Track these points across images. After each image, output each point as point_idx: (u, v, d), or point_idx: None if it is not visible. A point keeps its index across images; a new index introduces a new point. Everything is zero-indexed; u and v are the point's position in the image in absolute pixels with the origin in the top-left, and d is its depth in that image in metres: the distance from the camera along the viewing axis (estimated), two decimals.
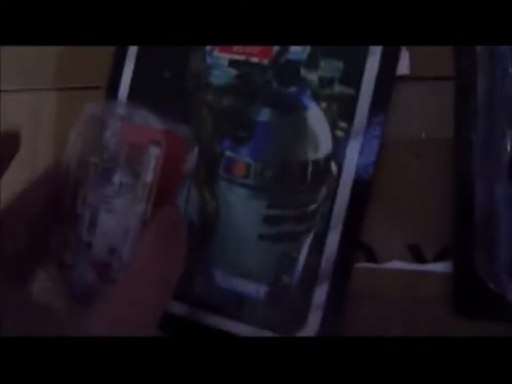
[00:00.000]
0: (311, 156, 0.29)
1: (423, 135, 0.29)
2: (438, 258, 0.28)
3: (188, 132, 0.29)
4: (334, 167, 0.29)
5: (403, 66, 0.29)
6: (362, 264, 0.29)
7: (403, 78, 0.29)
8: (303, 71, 0.29)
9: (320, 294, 0.28)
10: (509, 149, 0.27)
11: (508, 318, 0.26)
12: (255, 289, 0.29)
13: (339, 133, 0.29)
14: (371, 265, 0.28)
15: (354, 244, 0.28)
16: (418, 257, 0.28)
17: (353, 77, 0.29)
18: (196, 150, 0.30)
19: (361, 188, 0.28)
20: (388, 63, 0.28)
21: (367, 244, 0.29)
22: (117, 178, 0.28)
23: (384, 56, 0.28)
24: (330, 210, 0.28)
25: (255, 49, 0.30)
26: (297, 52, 0.30)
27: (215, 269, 0.29)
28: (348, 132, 0.29)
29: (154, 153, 0.28)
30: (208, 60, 0.31)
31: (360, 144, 0.28)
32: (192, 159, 0.30)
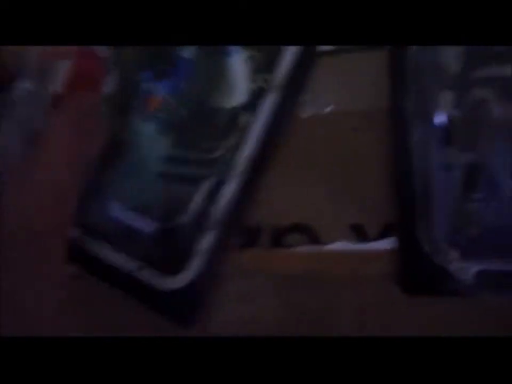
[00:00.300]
0: (227, 102, 0.28)
1: (358, 108, 0.29)
2: (382, 235, 0.27)
3: (106, 53, 0.28)
4: (247, 118, 0.28)
5: None
6: (306, 247, 0.28)
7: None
8: None
9: (207, 241, 0.28)
10: (443, 113, 0.26)
11: (453, 292, 0.26)
12: (145, 225, 0.28)
13: (259, 84, 0.28)
14: (314, 247, 0.28)
15: (249, 199, 0.28)
16: (363, 236, 0.27)
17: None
18: (115, 74, 0.29)
19: (270, 145, 0.28)
20: None
21: (309, 225, 0.28)
22: (24, 85, 0.27)
23: None
24: (234, 161, 0.28)
25: None
26: None
27: (111, 198, 0.29)
28: (268, 85, 0.28)
29: (63, 66, 0.27)
30: None
31: (279, 100, 0.28)
32: (110, 82, 0.29)
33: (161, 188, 0.28)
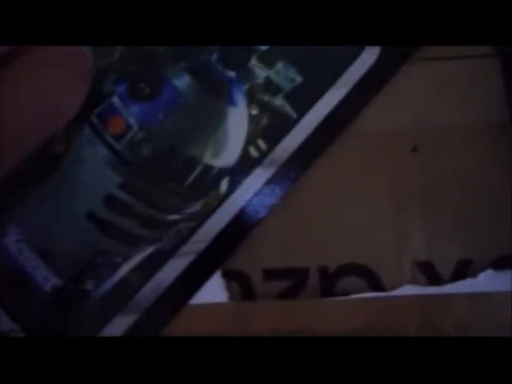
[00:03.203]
0: (207, 158, 0.22)
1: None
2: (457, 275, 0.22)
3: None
4: (225, 185, 0.22)
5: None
6: (366, 294, 0.22)
7: None
8: (253, 61, 0.23)
9: (121, 326, 0.20)
10: None
11: None
12: (45, 277, 0.21)
13: (253, 152, 0.22)
14: (377, 294, 0.22)
15: (195, 288, 0.21)
16: (433, 278, 0.22)
17: (305, 99, 0.22)
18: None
19: (241, 228, 0.22)
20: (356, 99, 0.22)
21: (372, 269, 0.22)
22: None
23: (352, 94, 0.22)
24: (191, 233, 0.21)
25: None
26: None
27: (15, 229, 0.21)
28: (262, 156, 0.22)
29: None
30: None
31: (269, 177, 0.22)
32: None
33: (83, 235, 0.21)
